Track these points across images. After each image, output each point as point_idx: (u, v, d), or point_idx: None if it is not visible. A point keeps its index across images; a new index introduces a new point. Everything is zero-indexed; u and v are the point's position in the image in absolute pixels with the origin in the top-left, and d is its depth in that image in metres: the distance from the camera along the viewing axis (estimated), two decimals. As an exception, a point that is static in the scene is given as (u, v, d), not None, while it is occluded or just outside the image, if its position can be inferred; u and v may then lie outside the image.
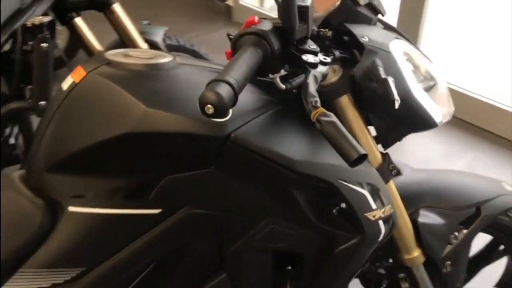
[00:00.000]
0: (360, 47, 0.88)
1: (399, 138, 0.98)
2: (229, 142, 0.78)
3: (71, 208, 0.80)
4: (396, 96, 0.78)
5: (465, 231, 1.15)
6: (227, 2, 3.87)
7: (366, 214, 0.87)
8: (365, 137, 0.95)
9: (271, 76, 0.78)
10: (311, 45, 0.79)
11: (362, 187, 0.87)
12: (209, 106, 0.62)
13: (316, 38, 0.84)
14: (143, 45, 1.77)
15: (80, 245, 0.80)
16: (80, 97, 0.79)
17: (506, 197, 1.17)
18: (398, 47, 0.93)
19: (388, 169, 0.99)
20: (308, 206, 0.85)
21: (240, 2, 3.76)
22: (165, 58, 0.84)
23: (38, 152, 0.81)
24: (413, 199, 1.13)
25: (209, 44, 3.60)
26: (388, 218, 0.92)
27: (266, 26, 0.77)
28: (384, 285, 1.29)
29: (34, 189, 0.82)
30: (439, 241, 1.13)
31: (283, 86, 0.78)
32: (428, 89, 0.98)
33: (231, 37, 0.90)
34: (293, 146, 0.81)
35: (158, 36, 1.88)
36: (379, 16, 0.94)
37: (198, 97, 0.64)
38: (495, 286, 1.42)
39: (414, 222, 1.10)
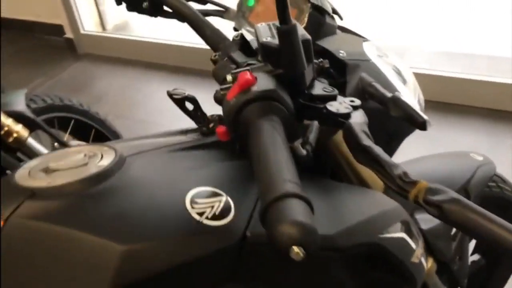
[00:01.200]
0: (339, 64, 0.71)
1: (393, 152, 0.84)
2: (246, 246, 0.56)
3: None
4: (426, 117, 0.62)
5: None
6: (66, 36, 3.45)
7: (412, 260, 0.71)
8: (365, 168, 0.79)
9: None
10: (325, 87, 0.59)
11: (398, 230, 0.70)
12: (296, 250, 0.40)
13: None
14: (7, 121, 1.41)
15: None
16: (6, 264, 0.51)
17: (482, 168, 1.11)
18: (372, 51, 0.77)
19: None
20: (354, 283, 0.66)
21: (82, 32, 3.36)
22: (105, 158, 0.59)
23: None
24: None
25: (63, 87, 3.19)
26: (424, 251, 0.77)
27: (269, 82, 0.55)
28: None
29: None
30: (445, 241, 1.02)
31: (304, 152, 0.57)
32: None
33: (176, 97, 0.66)
34: (319, 218, 0.61)
35: (20, 103, 1.52)
36: (337, 21, 0.77)
37: (272, 237, 0.41)
38: (471, 255, 1.39)
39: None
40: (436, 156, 1.17)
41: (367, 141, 0.53)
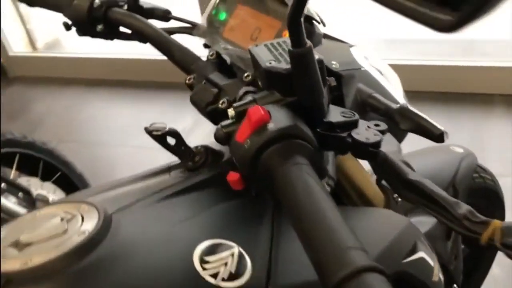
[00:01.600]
0: (334, 76, 0.64)
1: None
2: None
3: None
4: (442, 127, 0.56)
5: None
6: (-7, 60, 3.20)
7: (433, 279, 0.66)
8: (368, 183, 0.73)
9: None
10: (343, 112, 0.51)
11: (417, 250, 0.65)
12: None
13: None
14: None
15: None
16: None
17: (465, 161, 1.08)
18: (361, 57, 0.71)
19: (395, 201, 0.79)
20: None
21: (11, 54, 3.13)
22: (87, 220, 0.49)
23: None
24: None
25: (-2, 115, 2.96)
26: (439, 266, 0.72)
27: (284, 116, 0.46)
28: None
29: None
30: (441, 241, 0.99)
31: (329, 189, 0.50)
32: None
33: (156, 133, 0.57)
34: None
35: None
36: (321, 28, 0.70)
37: None
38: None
39: None
40: (418, 153, 1.13)
41: (414, 175, 0.46)
